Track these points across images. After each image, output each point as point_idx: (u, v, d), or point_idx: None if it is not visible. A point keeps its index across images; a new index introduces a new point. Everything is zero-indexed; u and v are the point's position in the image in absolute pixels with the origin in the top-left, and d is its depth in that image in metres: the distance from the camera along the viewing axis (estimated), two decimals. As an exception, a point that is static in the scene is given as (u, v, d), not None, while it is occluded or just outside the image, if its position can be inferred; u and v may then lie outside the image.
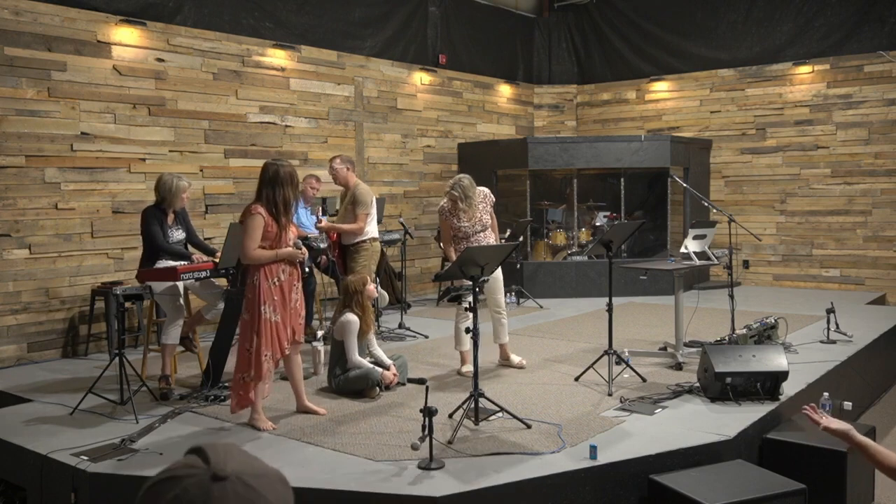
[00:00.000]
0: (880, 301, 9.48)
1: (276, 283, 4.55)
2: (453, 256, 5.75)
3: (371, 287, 5.49)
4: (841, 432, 2.79)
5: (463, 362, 5.87)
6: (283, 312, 4.57)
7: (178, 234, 5.68)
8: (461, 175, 5.94)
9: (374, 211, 6.63)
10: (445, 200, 5.92)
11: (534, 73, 12.43)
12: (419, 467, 3.86)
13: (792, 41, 10.44)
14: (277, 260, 4.54)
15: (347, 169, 6.60)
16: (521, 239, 8.35)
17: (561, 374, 5.85)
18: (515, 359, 6.08)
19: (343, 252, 6.65)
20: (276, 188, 4.53)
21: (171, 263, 5.43)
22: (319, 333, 6.39)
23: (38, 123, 6.59)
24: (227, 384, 5.39)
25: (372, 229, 6.60)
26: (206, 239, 6.69)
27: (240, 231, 4.63)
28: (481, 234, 5.91)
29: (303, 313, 4.78)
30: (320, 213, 6.64)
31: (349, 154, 9.27)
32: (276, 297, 4.53)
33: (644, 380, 5.51)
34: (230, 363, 5.60)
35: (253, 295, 4.52)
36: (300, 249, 4.63)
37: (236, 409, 4.60)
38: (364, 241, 6.52)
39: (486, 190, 6.03)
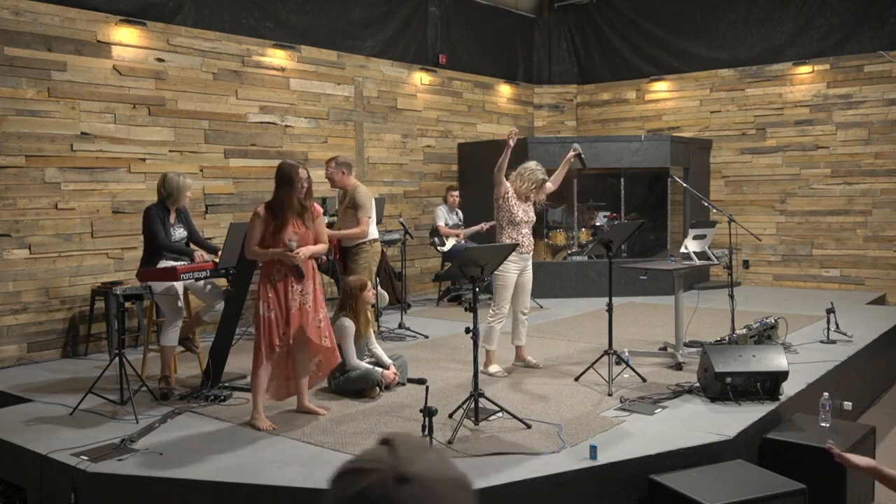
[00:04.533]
0: (880, 301, 9.49)
1: (272, 282, 4.63)
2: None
3: (368, 293, 5.47)
4: (869, 469, 2.81)
5: (489, 362, 5.86)
6: (279, 310, 4.62)
7: (179, 233, 5.69)
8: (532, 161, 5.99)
9: (373, 213, 6.59)
10: (508, 186, 5.91)
11: (534, 73, 12.43)
12: (419, 467, 3.86)
13: (792, 41, 10.44)
14: (271, 258, 4.62)
15: (343, 173, 6.48)
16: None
17: (561, 374, 5.85)
18: (532, 360, 6.08)
19: (343, 254, 6.62)
20: (276, 188, 4.67)
21: (172, 263, 5.43)
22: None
23: (38, 123, 6.59)
24: (227, 384, 5.41)
25: (372, 231, 6.55)
26: (206, 239, 6.68)
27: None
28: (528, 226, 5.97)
29: (318, 315, 4.74)
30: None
31: (348, 154, 9.28)
32: (270, 295, 4.62)
33: (644, 380, 5.51)
34: (230, 363, 5.62)
35: (258, 293, 4.71)
36: (292, 252, 4.58)
37: (276, 397, 4.91)
38: (364, 243, 6.47)
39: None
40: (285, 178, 4.61)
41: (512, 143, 5.81)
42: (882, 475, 2.73)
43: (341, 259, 6.62)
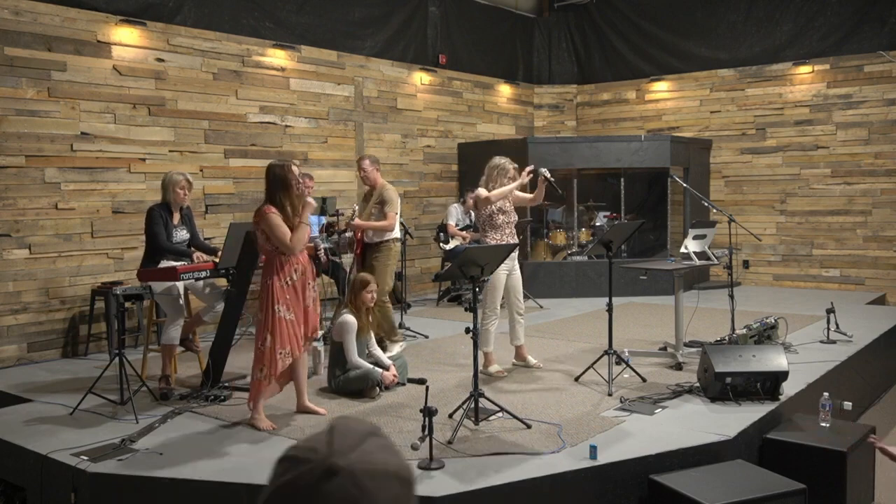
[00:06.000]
0: (880, 301, 9.48)
1: (289, 283, 4.59)
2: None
3: (368, 294, 5.46)
4: None
5: (488, 363, 5.87)
6: (298, 311, 4.62)
7: (181, 234, 5.68)
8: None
9: (399, 210, 6.74)
10: (485, 189, 5.87)
11: (534, 73, 12.43)
12: (419, 467, 3.86)
13: (792, 41, 10.44)
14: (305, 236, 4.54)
15: (376, 169, 6.74)
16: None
17: (561, 374, 5.85)
18: (532, 360, 6.07)
19: (364, 249, 6.71)
20: (275, 190, 4.60)
21: (172, 263, 5.43)
22: (320, 333, 6.39)
23: (38, 123, 6.59)
24: (227, 384, 5.41)
25: (395, 229, 6.70)
26: (206, 239, 6.69)
27: (256, 232, 4.64)
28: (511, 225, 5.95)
29: (318, 312, 4.81)
30: (353, 211, 6.74)
31: (349, 154, 9.28)
32: (288, 297, 4.58)
33: (644, 380, 5.51)
34: (230, 363, 5.62)
35: (266, 296, 4.56)
36: (319, 248, 4.64)
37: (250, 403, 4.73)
38: (387, 241, 6.60)
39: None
40: (280, 179, 4.57)
41: (525, 179, 5.83)
42: None
43: (362, 254, 6.70)
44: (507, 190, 5.81)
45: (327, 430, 0.98)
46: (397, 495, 0.95)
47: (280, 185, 4.58)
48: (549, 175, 5.80)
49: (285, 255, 4.55)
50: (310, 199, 4.64)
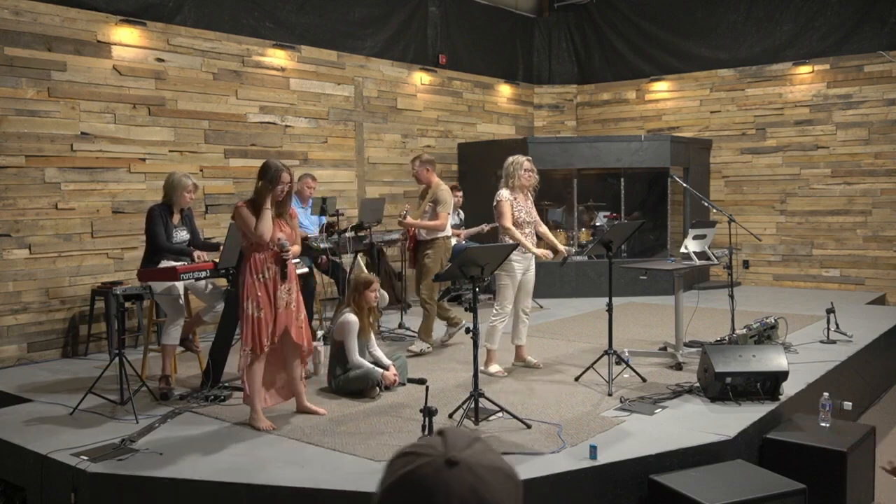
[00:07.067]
0: (880, 301, 9.48)
1: (261, 280, 4.59)
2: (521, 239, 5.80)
3: (372, 293, 5.46)
4: None
5: (490, 361, 5.87)
6: (268, 309, 4.59)
7: (181, 235, 5.68)
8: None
9: (451, 210, 6.92)
10: (507, 188, 5.90)
11: (534, 73, 12.43)
12: (419, 467, 3.85)
13: (792, 41, 10.44)
14: (267, 224, 4.52)
15: (427, 170, 6.84)
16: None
17: (561, 374, 5.85)
18: (532, 360, 6.08)
19: (416, 246, 6.90)
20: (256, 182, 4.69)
21: (172, 263, 5.43)
22: (319, 333, 6.39)
23: (38, 123, 6.59)
24: (227, 384, 5.41)
25: (447, 227, 6.89)
26: (206, 239, 6.68)
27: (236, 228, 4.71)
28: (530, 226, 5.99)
29: (300, 315, 4.76)
30: (405, 210, 6.96)
31: (349, 154, 9.29)
32: (259, 293, 4.57)
33: (644, 380, 5.51)
34: (230, 363, 5.61)
35: (241, 292, 4.62)
36: (284, 250, 4.59)
37: (245, 399, 4.74)
38: (438, 238, 6.76)
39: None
40: (261, 170, 4.62)
41: (542, 257, 5.96)
42: None
43: (413, 250, 6.90)
44: (522, 243, 5.77)
45: (438, 433, 1.08)
46: (509, 490, 1.03)
47: (260, 176, 4.61)
48: (568, 259, 6.23)
49: (259, 250, 4.56)
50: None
